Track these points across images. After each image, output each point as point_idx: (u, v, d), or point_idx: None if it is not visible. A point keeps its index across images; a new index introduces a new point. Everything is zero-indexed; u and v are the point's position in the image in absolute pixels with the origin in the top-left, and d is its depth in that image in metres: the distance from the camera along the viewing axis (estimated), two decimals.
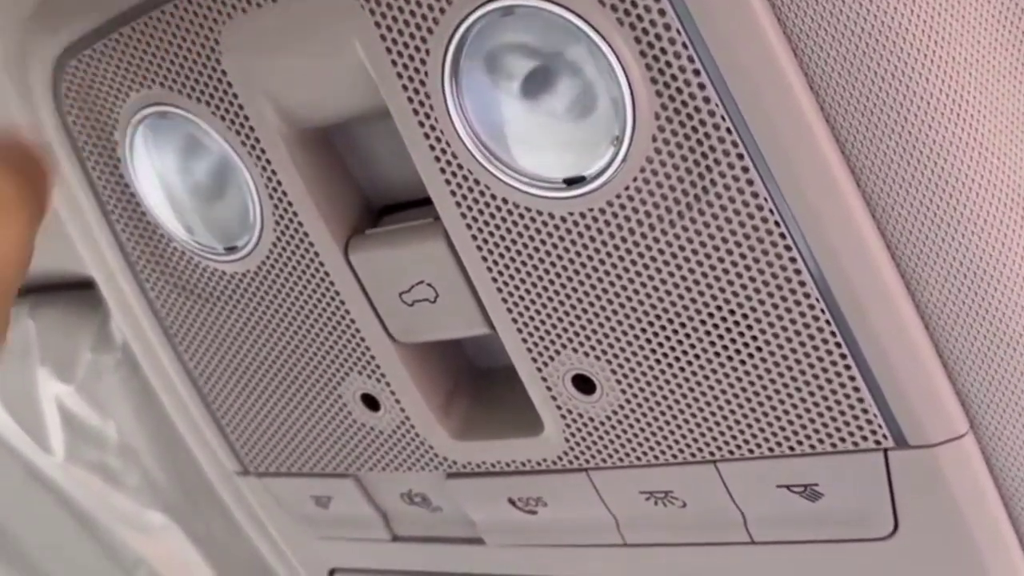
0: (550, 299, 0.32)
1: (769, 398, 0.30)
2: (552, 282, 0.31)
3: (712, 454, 0.33)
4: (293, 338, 0.38)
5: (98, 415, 0.50)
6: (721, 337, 0.30)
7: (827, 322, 0.28)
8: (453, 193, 0.31)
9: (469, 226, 0.31)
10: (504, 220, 0.31)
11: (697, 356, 0.31)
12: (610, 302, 0.31)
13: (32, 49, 0.36)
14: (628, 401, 0.33)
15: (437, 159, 0.31)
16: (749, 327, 0.29)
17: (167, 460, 0.51)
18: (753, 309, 0.29)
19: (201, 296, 0.39)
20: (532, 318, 0.32)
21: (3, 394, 0.52)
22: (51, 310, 0.50)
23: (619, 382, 0.32)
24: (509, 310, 0.32)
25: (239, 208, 0.35)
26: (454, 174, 0.31)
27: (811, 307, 0.28)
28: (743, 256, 0.28)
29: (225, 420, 0.42)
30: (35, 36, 0.36)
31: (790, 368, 0.30)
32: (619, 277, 0.30)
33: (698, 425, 0.32)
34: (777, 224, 0.27)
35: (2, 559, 0.62)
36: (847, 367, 0.29)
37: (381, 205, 0.36)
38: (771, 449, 0.31)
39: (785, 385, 0.30)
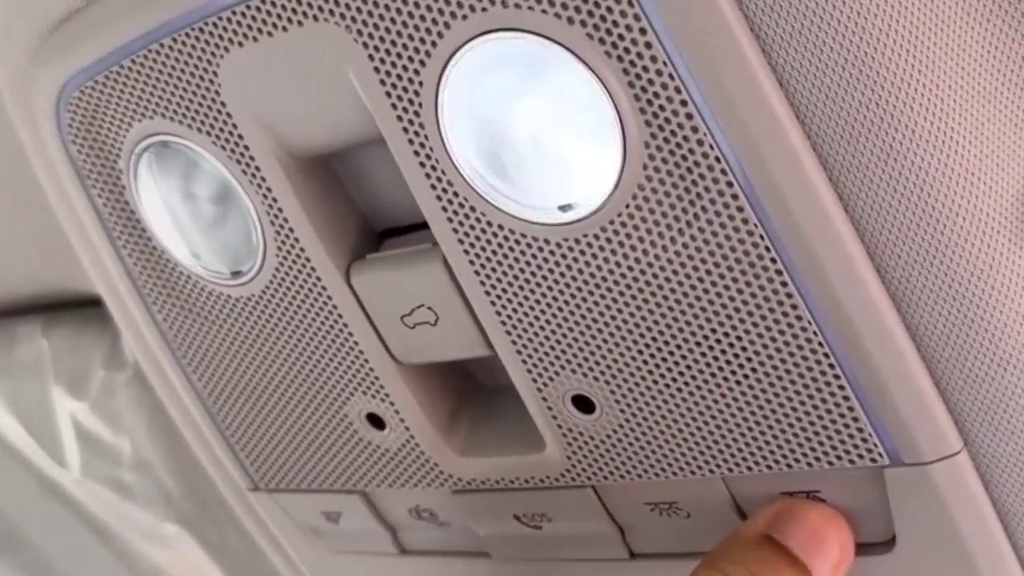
0: (548, 322, 0.32)
1: (765, 417, 0.31)
2: (549, 305, 0.32)
3: (712, 471, 0.33)
4: (299, 359, 0.38)
5: (112, 431, 0.51)
6: (716, 359, 0.30)
7: (820, 343, 0.29)
8: (450, 220, 0.31)
9: (466, 251, 0.32)
10: (500, 246, 0.31)
11: (693, 377, 0.31)
12: (606, 325, 0.31)
13: (36, 79, 0.37)
14: (628, 420, 0.33)
15: (433, 187, 0.31)
16: (744, 348, 0.30)
17: (181, 473, 0.52)
18: (747, 331, 0.29)
19: (208, 318, 0.39)
20: (531, 340, 0.33)
21: (19, 411, 0.53)
22: (63, 328, 0.51)
23: (617, 402, 0.33)
24: (508, 332, 0.33)
25: (243, 234, 0.36)
26: (450, 201, 0.31)
27: (803, 328, 0.29)
28: (735, 280, 0.29)
29: (234, 438, 0.43)
30: (39, 67, 0.37)
31: (784, 388, 0.30)
32: (615, 301, 0.31)
33: (696, 444, 0.32)
34: (768, 249, 0.28)
35: (20, 569, 0.63)
36: (840, 387, 0.29)
37: (382, 229, 0.37)
38: (769, 467, 0.32)
39: (781, 405, 0.30)
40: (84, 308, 0.51)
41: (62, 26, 0.36)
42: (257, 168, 0.34)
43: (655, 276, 0.29)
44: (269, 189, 0.34)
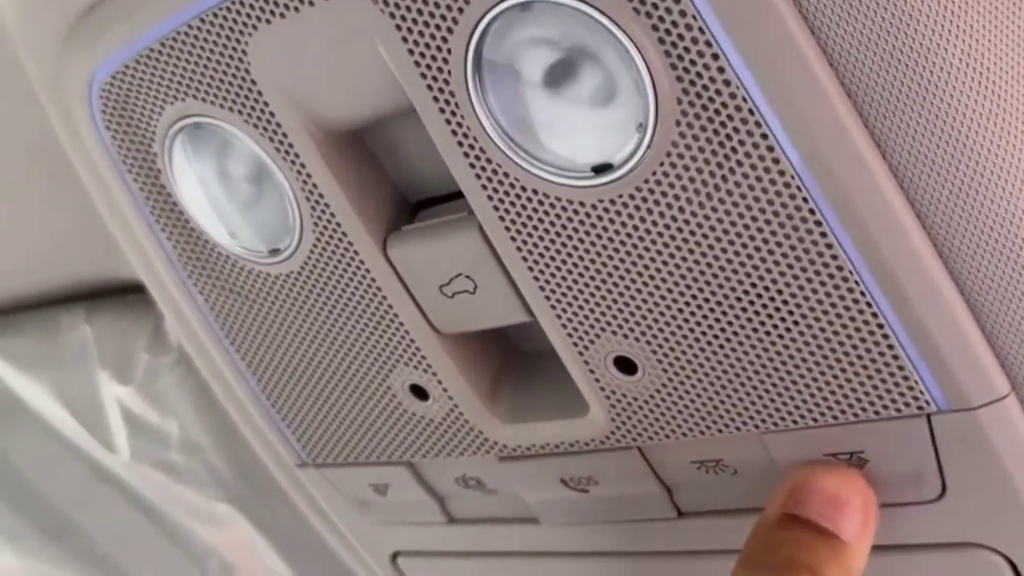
0: (586, 285, 0.32)
1: (809, 370, 0.31)
2: (587, 268, 0.32)
3: (756, 426, 0.33)
4: (340, 334, 0.38)
5: (159, 414, 0.51)
6: (757, 312, 0.30)
7: (862, 293, 0.28)
8: (484, 187, 0.31)
9: (502, 218, 0.32)
10: (535, 210, 0.31)
11: (736, 332, 0.31)
12: (645, 285, 0.31)
13: (67, 69, 0.37)
14: (671, 379, 0.33)
15: (465, 154, 0.31)
16: (785, 301, 0.30)
17: (229, 453, 0.53)
18: (787, 284, 0.29)
19: (248, 297, 0.40)
20: (570, 304, 0.33)
21: (66, 399, 0.54)
22: (106, 315, 0.52)
23: (660, 362, 0.33)
24: (547, 298, 0.33)
25: (279, 211, 0.36)
26: (483, 168, 0.31)
27: (844, 279, 0.28)
28: (773, 233, 0.28)
29: (281, 415, 0.43)
30: (69, 56, 0.37)
31: (828, 339, 0.30)
32: (652, 260, 0.30)
33: (741, 399, 0.32)
34: (805, 200, 0.27)
35: (77, 557, 0.64)
36: (884, 336, 0.29)
37: (416, 200, 0.37)
38: (815, 419, 0.32)
39: (824, 356, 0.30)
40: (125, 294, 0.52)
41: (89, 14, 0.36)
42: (290, 145, 0.34)
43: (693, 233, 0.29)
44: (303, 165, 0.34)
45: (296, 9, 0.31)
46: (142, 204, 0.39)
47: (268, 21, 0.31)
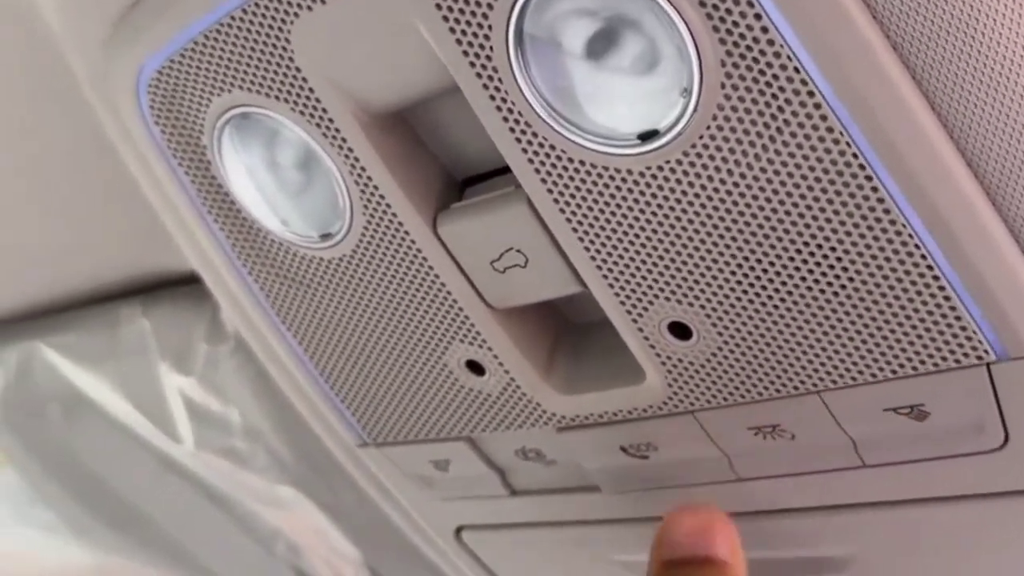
0: (637, 253, 0.32)
1: (866, 325, 0.31)
2: (637, 236, 0.32)
3: (815, 385, 0.33)
4: (395, 313, 0.39)
5: (220, 402, 0.52)
6: (811, 271, 0.30)
7: (916, 245, 0.28)
8: (530, 161, 0.32)
9: (550, 191, 0.32)
10: (583, 181, 0.31)
11: (789, 292, 0.31)
12: (697, 249, 0.31)
13: (113, 66, 0.38)
14: (726, 343, 0.33)
15: (511, 129, 0.31)
16: (839, 259, 0.30)
17: (290, 438, 0.54)
18: (840, 241, 0.29)
19: (303, 282, 0.40)
20: (622, 272, 0.33)
21: (129, 391, 0.55)
22: (163, 308, 0.53)
23: (714, 325, 0.33)
24: (599, 267, 0.33)
25: (328, 196, 0.36)
26: (529, 142, 0.31)
27: (898, 232, 0.28)
28: (824, 191, 0.28)
29: (340, 396, 0.44)
30: (115, 54, 0.38)
31: (884, 293, 0.30)
32: (703, 224, 0.31)
33: (798, 359, 0.32)
34: (855, 156, 0.27)
35: (146, 545, 0.65)
36: (940, 287, 0.29)
37: (463, 177, 0.37)
38: (873, 375, 0.32)
39: (881, 312, 0.30)
40: (181, 286, 0.52)
41: (132, 12, 0.36)
42: (337, 130, 0.34)
43: (743, 195, 0.29)
44: (351, 149, 0.34)
45: None
46: (194, 196, 0.40)
47: (310, 8, 0.32)
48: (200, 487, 0.58)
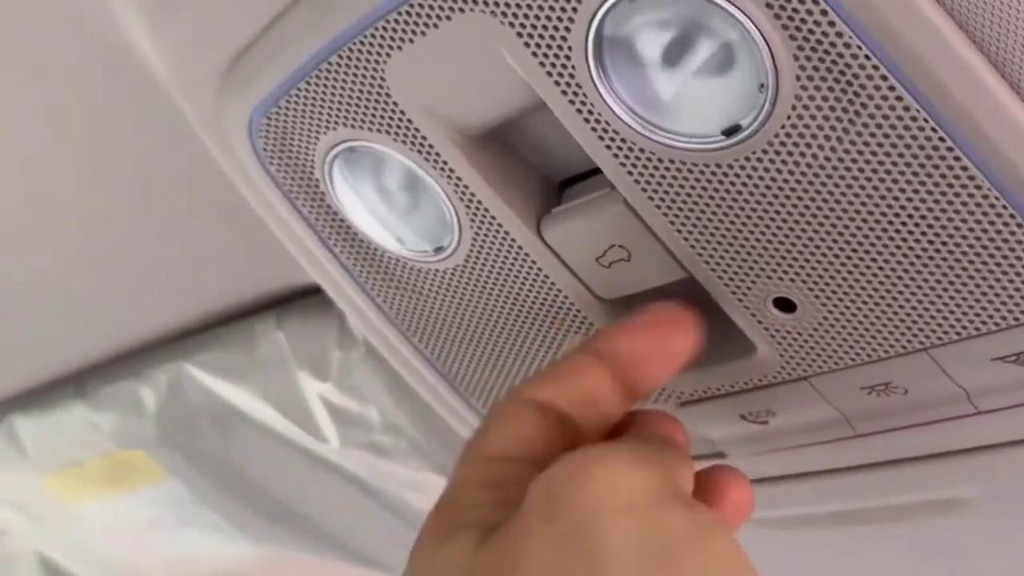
0: (735, 238, 0.34)
1: (964, 284, 0.32)
2: (733, 222, 0.33)
3: (922, 343, 0.34)
4: (511, 314, 0.41)
5: (358, 403, 0.56)
6: (905, 239, 0.31)
7: (1003, 207, 0.29)
8: (622, 164, 0.33)
9: (644, 190, 0.34)
10: (675, 178, 0.33)
11: (887, 260, 0.32)
12: (791, 230, 0.33)
13: (225, 112, 0.41)
14: (831, 312, 0.34)
15: (600, 138, 0.33)
16: (930, 225, 0.31)
17: (428, 428, 0.57)
18: (930, 209, 0.30)
19: (421, 292, 0.43)
20: (722, 257, 0.34)
21: (274, 400, 0.59)
22: (295, 319, 0.56)
23: (817, 297, 0.34)
24: (699, 255, 0.35)
25: (437, 213, 0.39)
26: (619, 147, 0.33)
27: (984, 196, 0.29)
28: (908, 164, 0.29)
29: (467, 392, 0.47)
30: (226, 100, 0.40)
31: (978, 254, 0.31)
32: (795, 206, 0.32)
33: (902, 321, 0.34)
34: (935, 130, 0.28)
35: (303, 535, 0.70)
36: None
37: (561, 179, 0.39)
38: (977, 329, 0.33)
39: (977, 270, 0.31)
40: (310, 296, 0.56)
41: (239, 63, 0.39)
42: (437, 154, 0.36)
43: (830, 176, 0.31)
44: (452, 170, 0.37)
45: (423, 33, 0.33)
46: (312, 223, 0.43)
47: (399, 47, 0.34)
48: (348, 479, 0.62)
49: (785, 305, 0.35)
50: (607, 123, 0.32)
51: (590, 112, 0.32)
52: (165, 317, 0.60)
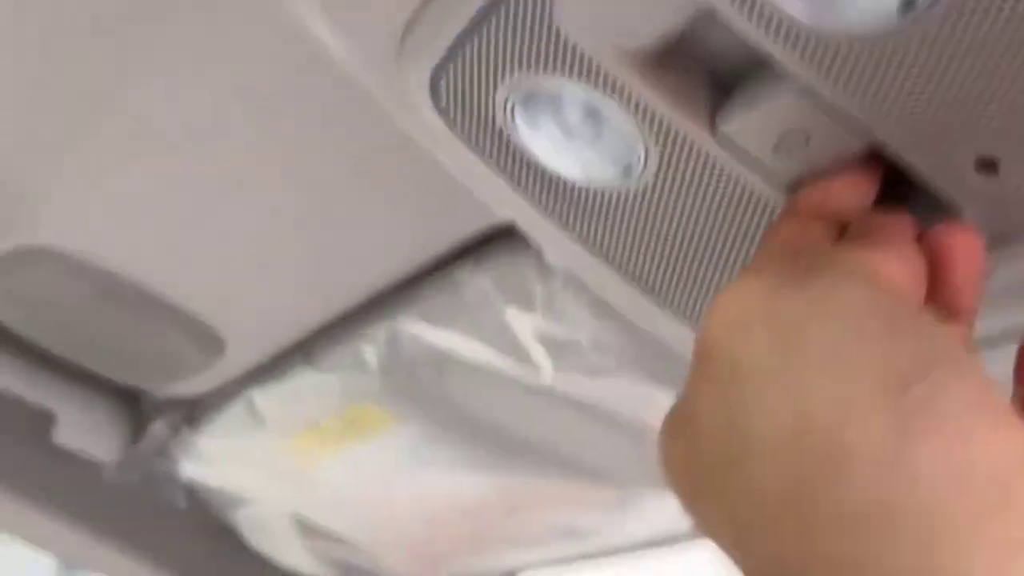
0: (924, 108, 0.34)
1: None
2: (921, 94, 0.33)
3: None
4: (705, 218, 0.42)
5: (567, 329, 0.58)
6: None
7: None
8: (801, 57, 0.34)
9: (825, 77, 0.34)
10: (856, 61, 0.33)
11: None
12: (981, 93, 0.32)
13: (407, 76, 0.43)
14: None
15: (775, 39, 0.33)
16: None
17: (637, 342, 0.58)
18: None
19: (612, 215, 0.44)
20: (914, 128, 0.35)
21: (485, 339, 0.62)
22: (493, 261, 0.59)
23: (1018, 154, 0.34)
24: (887, 128, 0.35)
25: (620, 138, 0.40)
26: (795, 42, 0.33)
27: None
28: None
29: (669, 303, 0.48)
30: (407, 66, 0.43)
31: None
32: (983, 69, 0.32)
33: None
34: None
35: (535, 461, 0.73)
36: None
37: (730, 77, 0.39)
38: None
39: None
40: (502, 237, 0.58)
41: (413, 28, 0.41)
42: (613, 81, 0.38)
43: (1008, 34, 0.30)
44: (630, 93, 0.38)
45: None
46: (501, 167, 0.45)
47: None
48: (568, 403, 0.64)
49: (987, 166, 0.35)
50: (779, 20, 0.33)
51: (760, 13, 0.33)
52: (373, 278, 0.64)
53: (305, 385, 0.73)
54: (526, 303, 0.58)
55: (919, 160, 0.36)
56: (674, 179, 0.41)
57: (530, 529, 0.85)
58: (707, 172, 0.40)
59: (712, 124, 0.39)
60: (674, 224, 0.43)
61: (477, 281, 0.59)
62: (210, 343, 0.72)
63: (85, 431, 0.85)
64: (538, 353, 0.60)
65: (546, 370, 0.61)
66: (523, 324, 0.59)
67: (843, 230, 0.35)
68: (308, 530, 0.92)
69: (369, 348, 0.67)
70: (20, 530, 0.93)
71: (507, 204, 0.48)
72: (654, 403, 0.63)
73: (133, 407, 0.86)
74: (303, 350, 0.72)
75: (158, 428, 0.85)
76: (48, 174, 0.58)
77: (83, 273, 0.65)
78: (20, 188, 0.60)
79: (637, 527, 0.83)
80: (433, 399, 0.70)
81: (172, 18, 0.48)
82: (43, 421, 0.84)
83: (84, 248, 0.64)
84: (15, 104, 0.55)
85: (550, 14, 0.36)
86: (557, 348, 0.60)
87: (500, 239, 0.59)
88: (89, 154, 0.57)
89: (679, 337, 0.53)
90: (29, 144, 0.57)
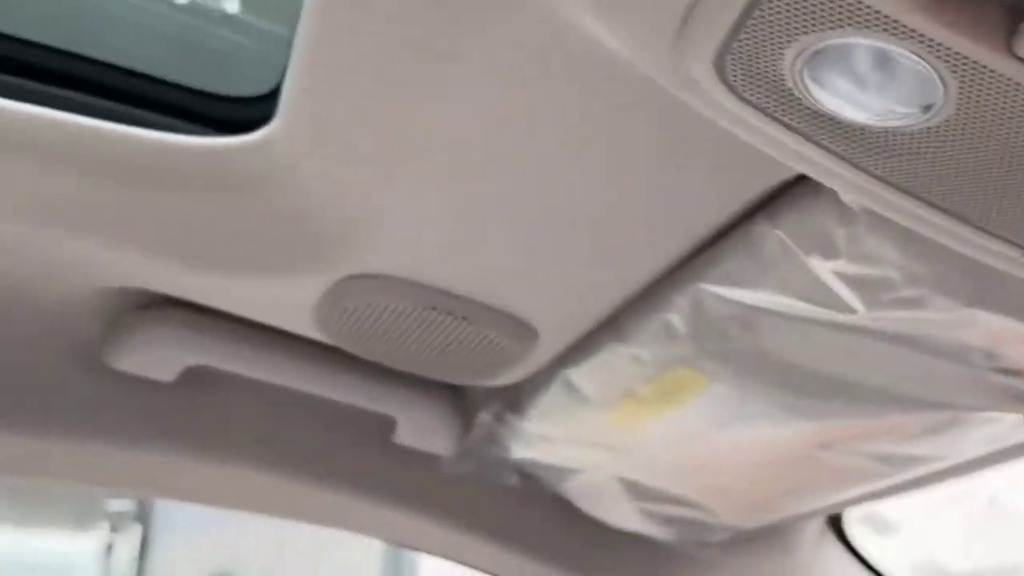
0: None
1: None
2: None
3: None
4: (1007, 138, 0.42)
5: (874, 268, 0.58)
6: None
7: None
8: None
9: None
10: None
11: None
12: None
13: (690, 58, 0.45)
14: None
15: None
16: None
17: (948, 267, 0.58)
18: None
19: (914, 152, 0.44)
20: None
21: (792, 290, 0.63)
22: (788, 214, 0.60)
23: None
24: None
25: (915, 78, 0.40)
26: None
27: None
28: None
29: (991, 228, 0.48)
30: (689, 48, 0.44)
31: None
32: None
33: None
34: None
35: (860, 403, 0.73)
36: None
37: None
38: None
39: None
40: (793, 189, 0.59)
41: (694, 11, 0.43)
42: (903, 25, 0.38)
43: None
44: (921, 34, 0.38)
45: None
46: (794, 128, 0.46)
47: None
48: (886, 338, 0.64)
49: None
50: None
51: None
52: (670, 248, 0.66)
53: (617, 359, 0.77)
54: (828, 249, 0.59)
55: None
56: (976, 108, 0.41)
57: (848, 463, 0.85)
58: (1010, 95, 0.40)
59: (1008, 46, 0.38)
60: (983, 151, 0.43)
61: (774, 236, 0.61)
62: (524, 334, 0.77)
63: (422, 430, 0.92)
64: (848, 295, 0.61)
65: (859, 311, 0.62)
66: (828, 269, 0.60)
67: None
68: (637, 491, 0.96)
69: (675, 316, 0.69)
70: (373, 530, 1.02)
71: (804, 161, 0.49)
72: (973, 324, 0.62)
73: (460, 403, 0.93)
74: (611, 326, 0.75)
75: (485, 418, 0.91)
76: (377, 204, 0.64)
77: (409, 292, 0.71)
78: (353, 223, 0.66)
79: (963, 447, 0.81)
80: (744, 355, 0.71)
81: (467, 43, 0.52)
82: (386, 426, 0.92)
83: (411, 270, 0.70)
84: (349, 137, 0.61)
85: None
86: (867, 287, 0.60)
87: (792, 192, 0.60)
88: (412, 179, 0.62)
89: (1007, 257, 0.52)
90: (360, 176, 0.63)
